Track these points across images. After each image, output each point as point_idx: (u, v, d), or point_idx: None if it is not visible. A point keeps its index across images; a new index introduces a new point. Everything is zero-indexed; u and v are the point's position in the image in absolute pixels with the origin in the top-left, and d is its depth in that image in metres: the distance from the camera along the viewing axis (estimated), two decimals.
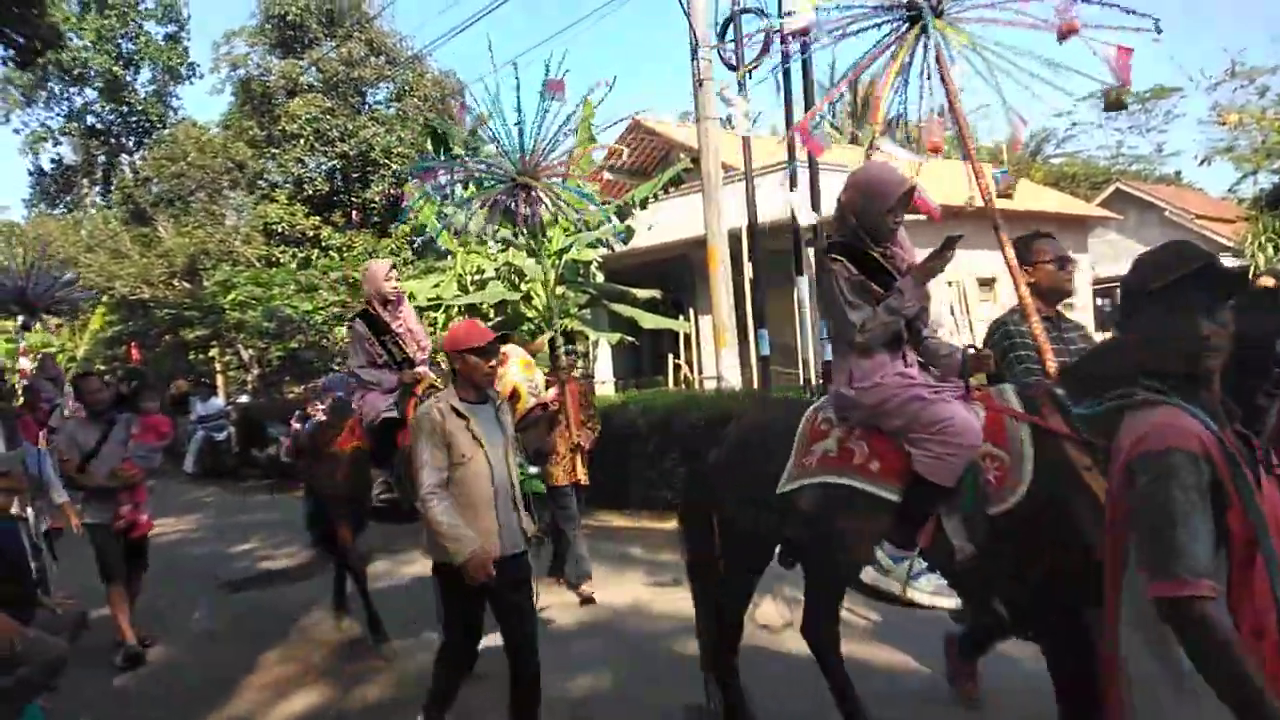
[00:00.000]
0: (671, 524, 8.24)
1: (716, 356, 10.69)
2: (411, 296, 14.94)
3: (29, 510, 4.93)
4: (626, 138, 21.98)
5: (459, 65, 63.11)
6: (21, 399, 9.73)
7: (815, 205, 8.20)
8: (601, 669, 4.82)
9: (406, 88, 26.71)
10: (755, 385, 9.53)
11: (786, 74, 8.19)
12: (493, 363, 3.62)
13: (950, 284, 18.55)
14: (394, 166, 25.10)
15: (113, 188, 30.96)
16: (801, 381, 8.85)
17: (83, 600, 4.86)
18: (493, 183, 6.92)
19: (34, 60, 12.90)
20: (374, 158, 24.96)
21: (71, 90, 30.39)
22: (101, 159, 31.94)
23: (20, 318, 14.04)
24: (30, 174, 33.29)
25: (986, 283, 21.32)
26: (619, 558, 7.45)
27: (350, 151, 24.72)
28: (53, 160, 32.90)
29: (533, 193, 6.82)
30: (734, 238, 10.83)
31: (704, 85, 10.27)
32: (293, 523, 10.05)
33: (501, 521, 3.59)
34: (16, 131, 31.58)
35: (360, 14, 26.51)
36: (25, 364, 19.39)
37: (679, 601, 5.38)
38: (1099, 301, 29.93)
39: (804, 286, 8.83)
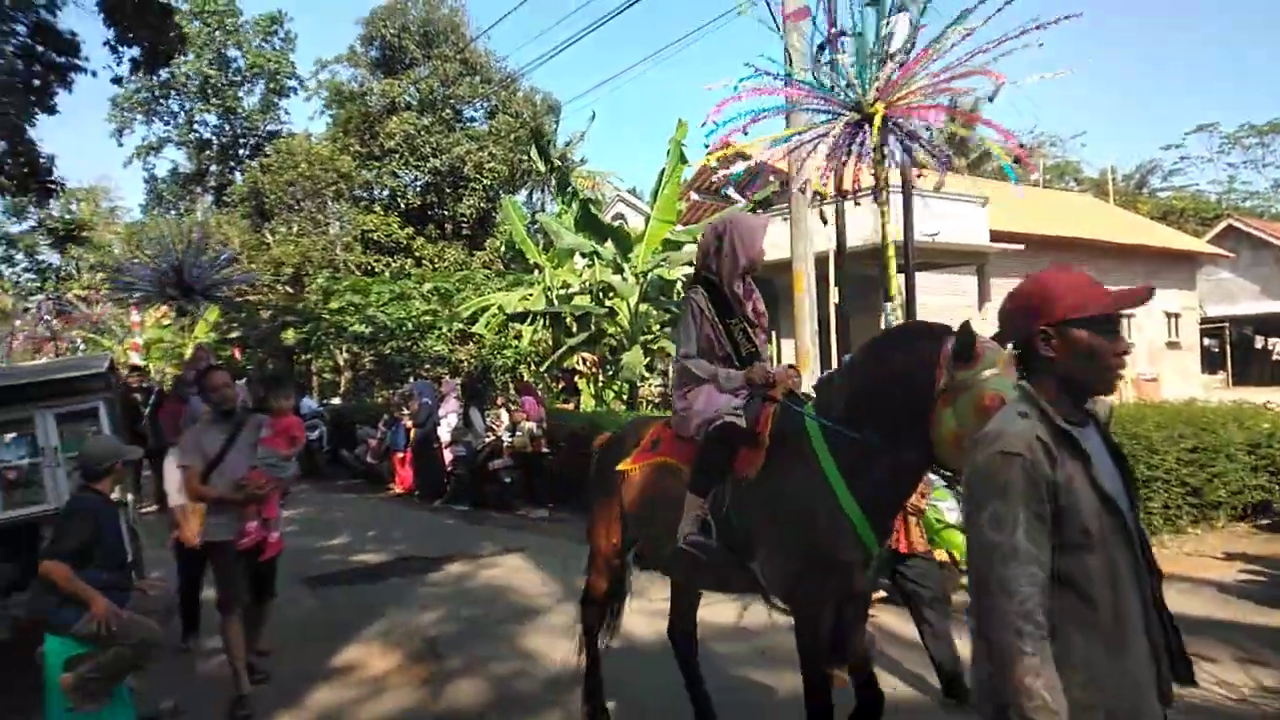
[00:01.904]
0: None
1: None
2: (500, 309, 15.33)
3: (128, 495, 5.17)
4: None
5: (553, 83, 64.77)
6: (170, 388, 9.90)
7: (909, 229, 8.07)
8: None
9: (500, 105, 27.52)
10: None
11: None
12: (1122, 349, 1.90)
13: None
14: (485, 181, 25.83)
15: (225, 194, 32.72)
16: None
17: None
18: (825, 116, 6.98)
19: (160, 67, 13.53)
20: (466, 173, 25.75)
21: (184, 101, 32.49)
22: (213, 168, 33.86)
23: (177, 304, 13.09)
24: (145, 181, 35.62)
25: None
26: None
27: (442, 167, 25.56)
28: (168, 170, 35.12)
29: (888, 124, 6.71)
30: (819, 261, 10.75)
31: (794, 112, 10.24)
32: (378, 521, 10.43)
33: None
34: (136, 147, 33.85)
35: (458, 35, 27.47)
36: (136, 359, 20.51)
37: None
38: (1206, 341, 28.51)
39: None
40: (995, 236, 17.19)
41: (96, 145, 77.42)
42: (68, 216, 37.77)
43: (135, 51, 10.97)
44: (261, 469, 4.77)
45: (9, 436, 4.82)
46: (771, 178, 18.98)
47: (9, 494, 4.76)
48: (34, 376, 5.10)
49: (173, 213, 35.46)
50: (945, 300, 17.11)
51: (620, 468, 3.83)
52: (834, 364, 10.74)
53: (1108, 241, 21.36)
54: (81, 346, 26.07)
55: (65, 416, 4.95)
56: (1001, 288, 17.45)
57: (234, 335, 24.01)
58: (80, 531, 4.18)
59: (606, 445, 4.31)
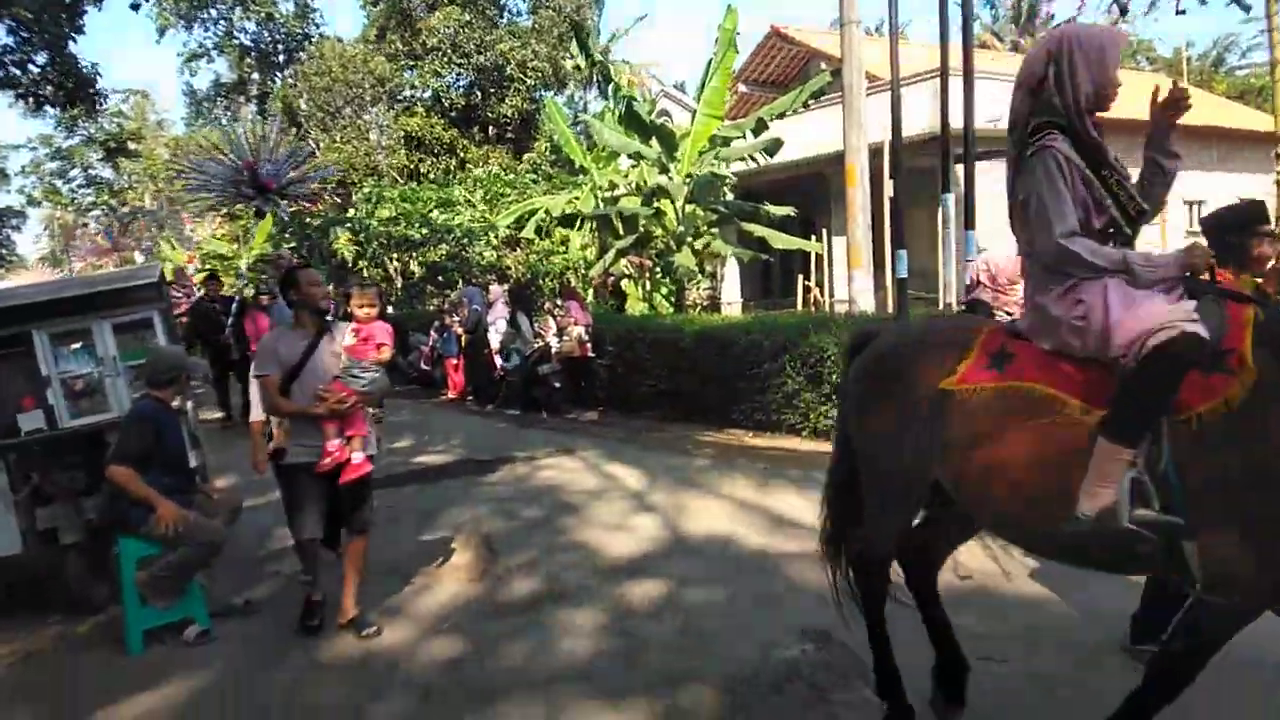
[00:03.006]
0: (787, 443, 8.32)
1: (849, 278, 10.36)
2: (546, 213, 15.16)
3: (188, 404, 5.27)
4: (765, 47, 21.22)
5: None
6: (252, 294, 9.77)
7: (969, 115, 7.66)
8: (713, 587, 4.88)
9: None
10: (891, 309, 9.21)
11: None
12: None
13: None
14: (528, 81, 25.22)
15: (266, 104, 32.58)
16: (941, 306, 8.46)
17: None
18: None
19: None
20: (509, 72, 25.15)
21: (222, 8, 31.99)
22: (255, 76, 33.60)
23: (255, 204, 12.19)
24: (184, 93, 35.55)
25: (1193, 205, 19.62)
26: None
27: (486, 63, 24.98)
28: (210, 80, 34.96)
29: None
30: (874, 152, 10.34)
31: None
32: (432, 426, 10.64)
33: None
34: (178, 55, 33.65)
35: None
36: (192, 271, 20.90)
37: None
38: None
39: (949, 205, 8.35)
40: None
41: (135, 49, 77.29)
42: (116, 128, 38.09)
43: None
44: (344, 380, 4.27)
45: (71, 347, 4.94)
46: (823, 65, 18.19)
47: (75, 403, 4.90)
48: (89, 288, 5.17)
49: (213, 125, 35.53)
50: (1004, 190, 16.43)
51: (943, 385, 2.74)
52: (887, 260, 10.43)
53: (1182, 124, 20.06)
54: (139, 258, 26.70)
55: (121, 326, 5.04)
56: None
57: (289, 246, 24.31)
58: (142, 437, 4.30)
59: (887, 347, 3.10)
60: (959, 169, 8.19)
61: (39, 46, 11.25)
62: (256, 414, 5.10)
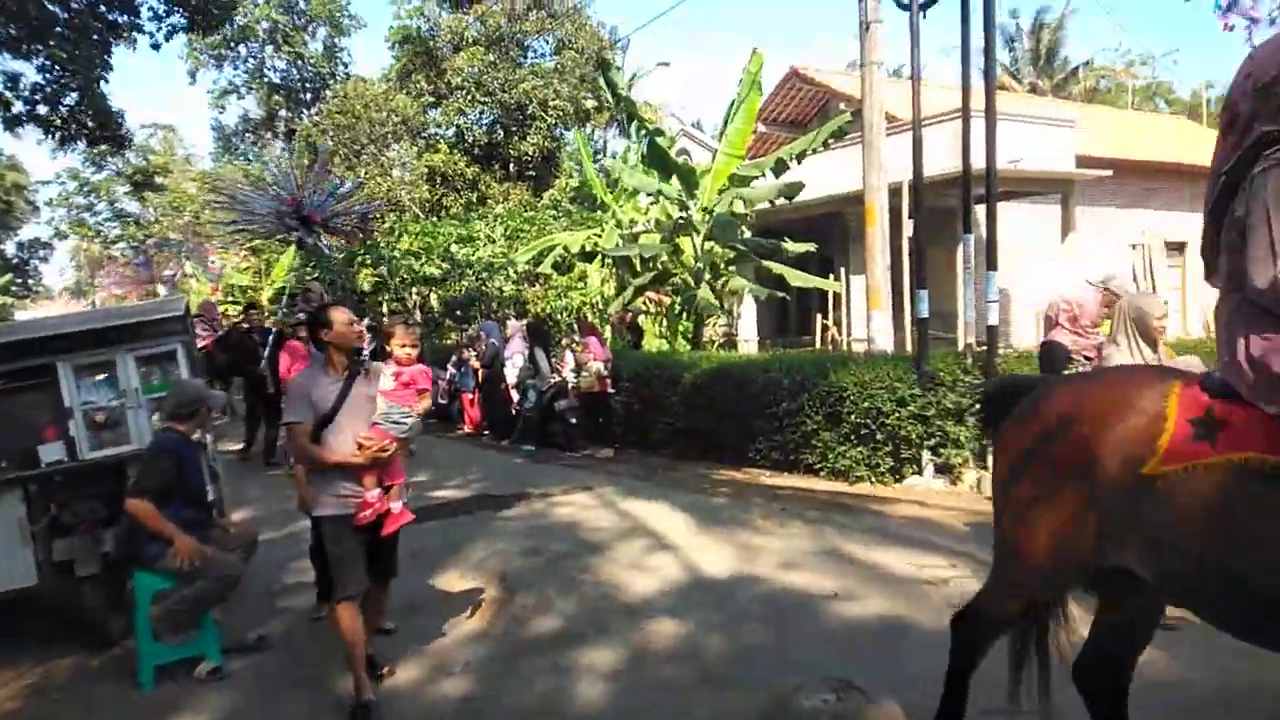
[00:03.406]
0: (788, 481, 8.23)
1: (867, 318, 10.32)
2: (565, 249, 15.25)
3: (208, 436, 5.27)
4: (784, 87, 21.42)
5: (620, 16, 63.45)
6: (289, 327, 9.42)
7: (991, 156, 7.64)
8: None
9: (566, 40, 27.05)
10: (910, 349, 9.16)
11: (964, 7, 7.62)
12: None
13: (1135, 247, 17.13)
14: (549, 120, 25.55)
15: (293, 141, 33.19)
16: (960, 347, 8.40)
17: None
18: None
19: (216, 29, 13.72)
20: (531, 111, 25.51)
21: (253, 48, 32.79)
22: (282, 113, 34.27)
23: (296, 235, 11.85)
24: (213, 129, 36.27)
25: (1175, 247, 19.55)
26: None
27: (509, 101, 25.35)
28: (239, 116, 35.68)
29: None
30: (893, 192, 10.35)
31: (870, 28, 9.77)
32: (449, 460, 10.62)
33: None
34: (209, 92, 34.42)
35: None
36: (210, 302, 21.08)
37: None
38: None
39: (970, 245, 8.31)
40: (1081, 162, 16.31)
41: (167, 87, 79.05)
42: (143, 162, 38.81)
43: (178, 18, 11.03)
44: (384, 426, 3.95)
45: (95, 379, 4.97)
46: (843, 105, 18.33)
47: (97, 434, 4.92)
48: (114, 320, 5.22)
49: (240, 161, 36.17)
50: (1027, 230, 16.38)
51: (1147, 471, 2.32)
52: (905, 301, 10.40)
53: (1201, 166, 20.05)
54: (162, 291, 27.05)
55: (145, 359, 5.08)
56: (1087, 217, 16.61)
57: (312, 278, 24.49)
58: (163, 471, 4.30)
59: (1059, 411, 2.61)
60: (980, 210, 8.17)
61: (71, 86, 11.53)
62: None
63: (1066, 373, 4.77)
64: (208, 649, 4.38)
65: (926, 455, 7.88)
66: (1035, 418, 2.69)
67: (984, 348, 7.84)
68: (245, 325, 11.54)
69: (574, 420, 10.85)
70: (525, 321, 13.01)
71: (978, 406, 7.61)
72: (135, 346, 5.05)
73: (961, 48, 7.78)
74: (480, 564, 6.15)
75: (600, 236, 15.43)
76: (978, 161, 7.84)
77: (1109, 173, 16.45)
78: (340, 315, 4.05)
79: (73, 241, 45.41)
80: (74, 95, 11.39)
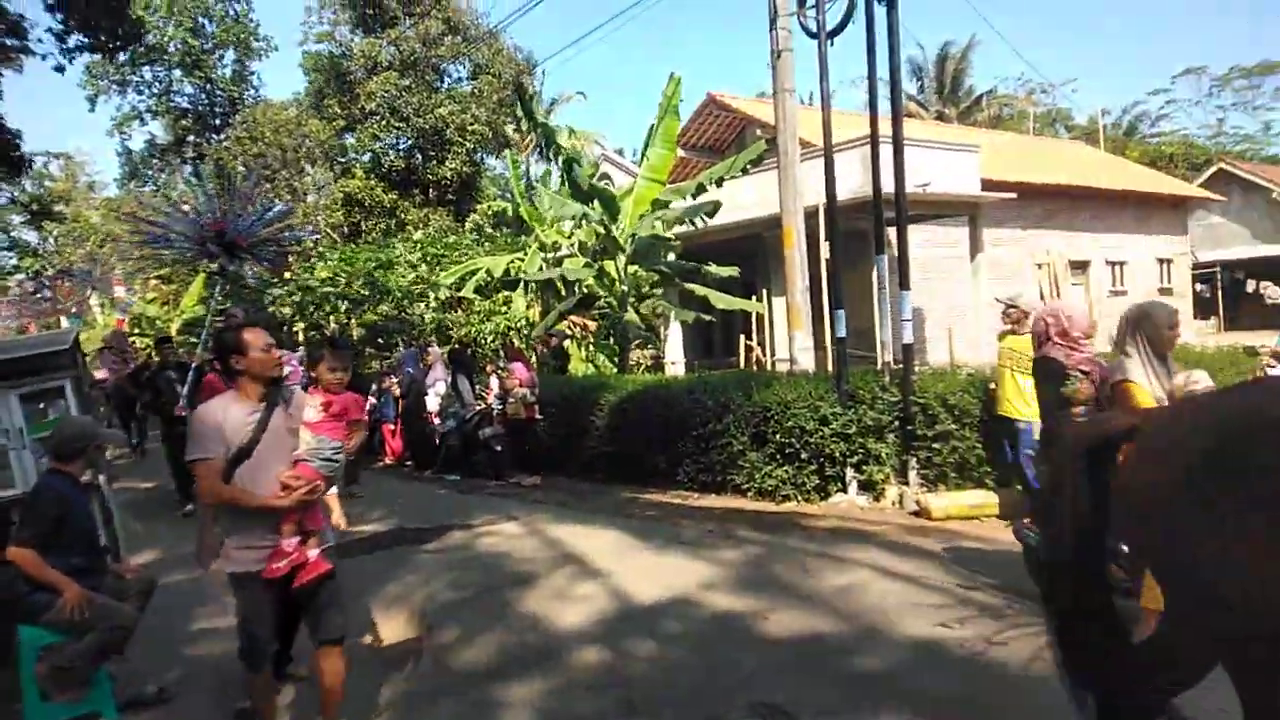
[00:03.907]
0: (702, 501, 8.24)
1: (789, 338, 10.46)
2: (488, 273, 15.08)
3: (100, 477, 4.96)
4: (702, 113, 21.75)
5: (535, 41, 63.59)
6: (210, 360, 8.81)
7: (900, 180, 7.86)
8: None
9: (482, 65, 26.96)
10: (831, 367, 9.33)
11: (870, 37, 7.84)
12: None
13: (1040, 265, 17.84)
14: (468, 145, 25.37)
15: (202, 165, 32.18)
16: (879, 365, 8.56)
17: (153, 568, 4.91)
18: None
19: (120, 51, 13.22)
20: (448, 135, 25.30)
21: (159, 71, 31.78)
22: (191, 138, 33.19)
23: (217, 263, 10.71)
24: (119, 154, 34.95)
25: (1078, 265, 20.47)
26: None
27: (425, 126, 25.11)
28: (145, 140, 34.45)
29: None
30: (809, 215, 10.55)
31: (782, 57, 9.97)
32: (370, 493, 10.25)
33: None
34: (111, 118, 33.18)
35: None
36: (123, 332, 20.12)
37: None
38: (1198, 287, 28.44)
39: (884, 266, 8.50)
40: (987, 185, 16.97)
41: (69, 114, 75.88)
42: (41, 191, 37.11)
43: (78, 39, 10.60)
44: (312, 463, 3.46)
45: None
46: (759, 131, 18.69)
47: None
48: None
49: (149, 186, 34.87)
50: (937, 252, 16.94)
51: None
52: (825, 321, 10.58)
53: (1099, 188, 21.17)
54: (65, 323, 25.71)
55: (30, 396, 4.77)
56: (994, 238, 17.27)
57: (224, 306, 23.52)
58: (47, 515, 4.03)
59: (1250, 437, 2.17)
60: (892, 232, 8.39)
61: None
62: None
63: (1065, 388, 4.71)
64: (102, 706, 4.09)
65: (850, 472, 7.98)
66: (1203, 448, 2.24)
67: (901, 365, 8.01)
68: (159, 361, 10.70)
69: (499, 448, 10.66)
70: (447, 348, 12.77)
71: (898, 423, 7.77)
72: (19, 383, 4.74)
73: (869, 77, 8.01)
74: (399, 600, 5.95)
75: (524, 260, 15.31)
76: (888, 185, 8.05)
77: (1013, 195, 17.15)
78: (255, 338, 3.48)
79: None
80: None
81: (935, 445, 7.56)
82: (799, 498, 8.11)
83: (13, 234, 39.11)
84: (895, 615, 4.88)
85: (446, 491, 10.32)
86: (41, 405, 4.98)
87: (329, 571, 3.51)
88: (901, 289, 7.93)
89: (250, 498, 3.36)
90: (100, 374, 16.04)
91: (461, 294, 16.05)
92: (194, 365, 9.69)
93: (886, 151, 8.00)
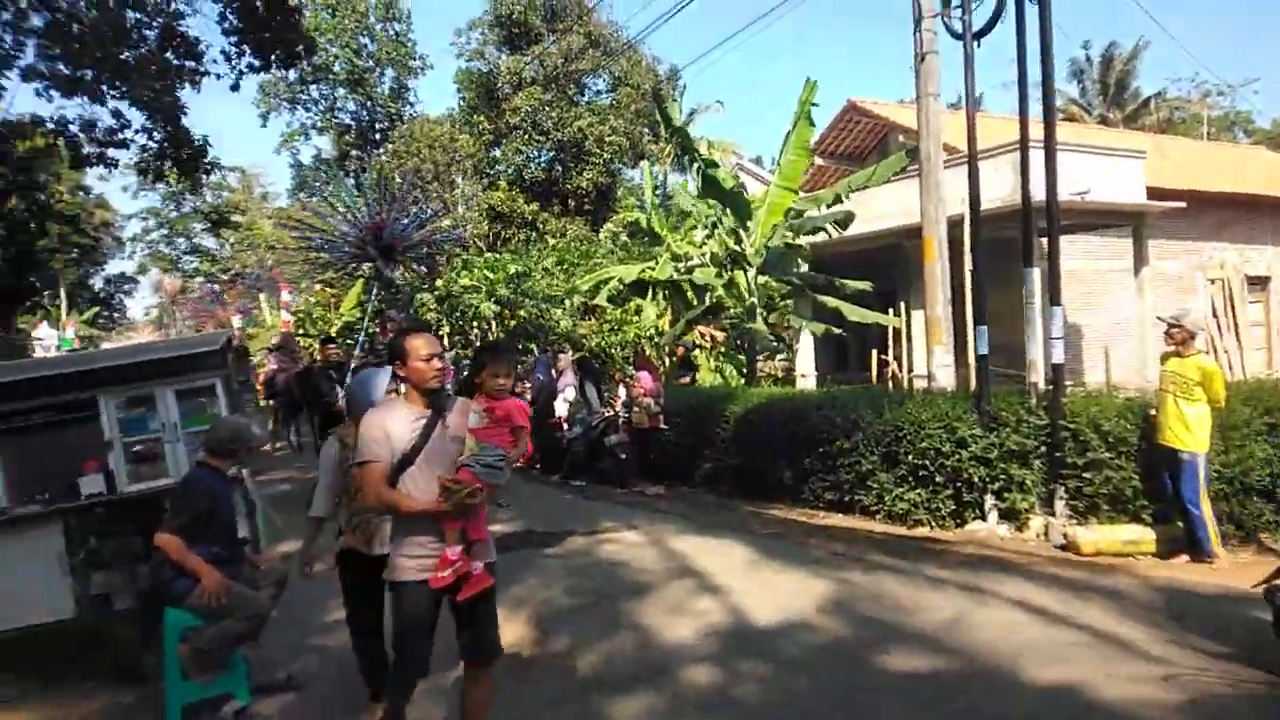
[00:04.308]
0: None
1: (928, 354, 9.98)
2: (620, 281, 15.23)
3: (244, 472, 5.25)
4: (841, 120, 21.22)
5: (672, 52, 64.10)
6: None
7: (1051, 188, 7.35)
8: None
9: (621, 77, 27.43)
10: (973, 386, 8.80)
11: (1020, 37, 7.39)
12: None
13: (1213, 281, 16.37)
14: (605, 155, 25.83)
15: (363, 177, 34.25)
16: (1027, 384, 8.01)
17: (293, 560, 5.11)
18: None
19: (288, 68, 14.18)
20: (587, 147, 25.86)
21: (325, 89, 34.17)
22: (353, 152, 35.41)
23: (373, 266, 10.89)
24: (290, 167, 37.79)
25: (1257, 281, 18.62)
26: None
27: (565, 139, 25.75)
28: (312, 155, 37.11)
29: None
30: (953, 225, 10.04)
31: (926, 60, 9.54)
32: (503, 496, 10.51)
33: None
34: (281, 135, 35.92)
35: (580, 7, 27.47)
36: (280, 336, 21.53)
37: None
38: None
39: (1034, 279, 7.97)
40: (1153, 194, 15.67)
41: (243, 132, 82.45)
42: (220, 201, 40.54)
43: (248, 60, 11.37)
44: (474, 469, 3.30)
45: (134, 412, 5.02)
46: (902, 137, 18.04)
47: (136, 468, 4.95)
48: (154, 354, 5.28)
49: (315, 197, 37.42)
50: (1098, 264, 15.79)
51: None
52: (968, 336, 10.03)
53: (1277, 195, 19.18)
54: (236, 323, 27.86)
55: (184, 393, 5.12)
56: (1161, 250, 15.93)
57: (379, 310, 24.87)
58: (195, 506, 4.28)
59: None
60: (1046, 243, 7.85)
61: (160, 123, 12.05)
62: (320, 508, 4.19)
63: None
64: (237, 689, 4.32)
65: (990, 499, 7.51)
66: None
67: (1050, 386, 7.47)
68: (322, 360, 10.81)
69: (624, 456, 10.70)
70: (577, 355, 12.96)
71: (1044, 449, 7.24)
72: (175, 381, 5.10)
73: (1019, 78, 7.54)
74: (520, 603, 6.00)
75: (654, 269, 15.38)
76: (1040, 194, 7.55)
77: (1183, 205, 15.76)
78: (417, 346, 3.37)
79: (154, 275, 47.46)
80: (161, 130, 11.90)
81: (1086, 474, 6.99)
82: (932, 523, 7.70)
83: (194, 240, 42.89)
84: (1033, 658, 4.50)
85: (572, 497, 10.44)
86: (203, 400, 5.33)
87: (490, 587, 3.41)
88: (1052, 304, 7.41)
89: (411, 502, 3.28)
90: (270, 368, 17.09)
91: (594, 302, 16.28)
92: (351, 366, 10.02)
93: (1038, 158, 7.51)
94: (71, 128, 12.12)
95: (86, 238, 41.05)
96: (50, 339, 16.92)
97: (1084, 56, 38.16)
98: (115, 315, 47.35)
